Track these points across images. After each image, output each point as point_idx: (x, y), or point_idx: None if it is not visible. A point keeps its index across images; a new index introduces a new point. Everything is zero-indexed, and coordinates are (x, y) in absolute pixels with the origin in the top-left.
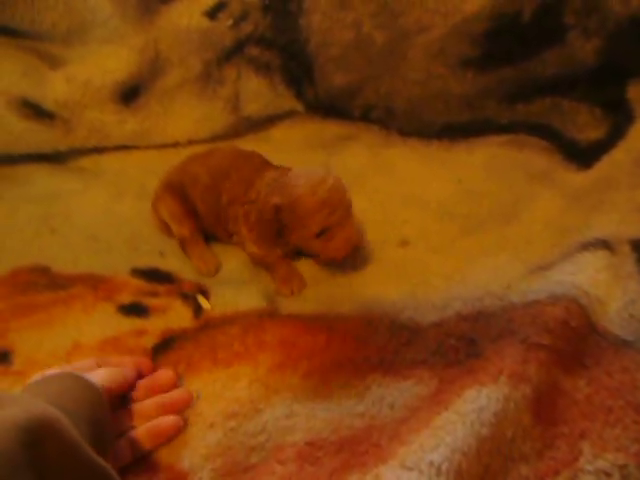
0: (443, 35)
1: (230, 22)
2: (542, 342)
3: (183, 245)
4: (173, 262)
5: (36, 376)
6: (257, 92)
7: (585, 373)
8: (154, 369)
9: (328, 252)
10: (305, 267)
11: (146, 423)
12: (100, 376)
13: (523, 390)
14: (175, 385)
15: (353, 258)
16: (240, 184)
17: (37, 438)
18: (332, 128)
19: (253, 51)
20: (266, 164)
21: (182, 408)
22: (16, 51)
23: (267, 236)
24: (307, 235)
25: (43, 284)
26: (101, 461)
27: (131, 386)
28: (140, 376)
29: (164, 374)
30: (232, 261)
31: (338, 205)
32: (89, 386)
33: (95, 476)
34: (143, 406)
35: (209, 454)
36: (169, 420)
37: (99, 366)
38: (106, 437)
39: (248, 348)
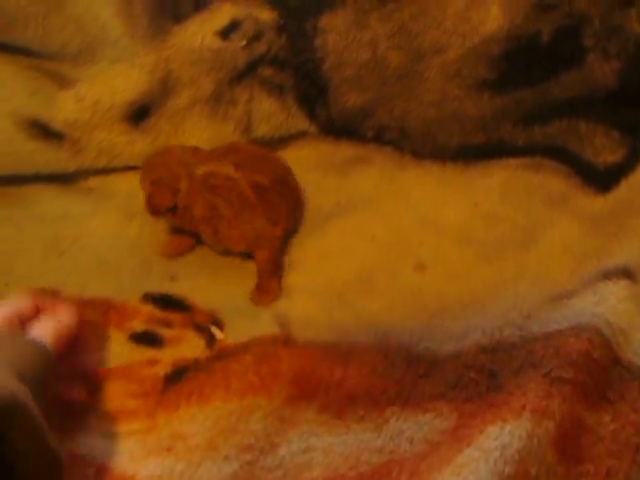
0: (460, 56)
1: (243, 42)
2: (565, 376)
3: None
4: (185, 286)
5: None
6: (269, 113)
7: (610, 408)
8: None
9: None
10: (316, 294)
11: None
12: (50, 336)
13: (546, 426)
14: None
15: (365, 282)
16: None
17: (6, 424)
18: (345, 150)
19: (266, 72)
20: None
21: None
22: (25, 70)
23: None
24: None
25: None
26: (55, 443)
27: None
28: None
29: None
30: (244, 285)
31: None
32: (44, 352)
33: (52, 460)
34: None
35: None
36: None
37: (38, 310)
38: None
39: (263, 379)
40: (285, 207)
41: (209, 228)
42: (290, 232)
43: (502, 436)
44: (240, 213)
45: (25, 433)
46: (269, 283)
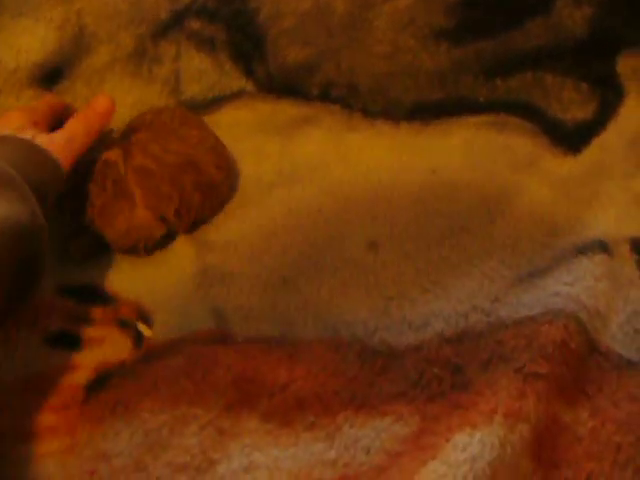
0: (413, 3)
1: None
2: (540, 371)
3: None
4: (105, 275)
5: None
6: (200, 71)
7: (587, 403)
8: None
9: None
10: (258, 279)
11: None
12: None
13: (520, 430)
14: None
15: (313, 264)
16: None
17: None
18: (287, 110)
19: (194, 24)
20: None
21: None
22: None
23: None
24: None
25: None
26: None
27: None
28: None
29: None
30: (174, 270)
31: None
32: (52, 161)
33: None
34: None
35: None
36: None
37: (35, 124)
38: None
39: (197, 384)
40: (188, 196)
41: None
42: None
43: (471, 446)
44: (113, 202)
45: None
46: None
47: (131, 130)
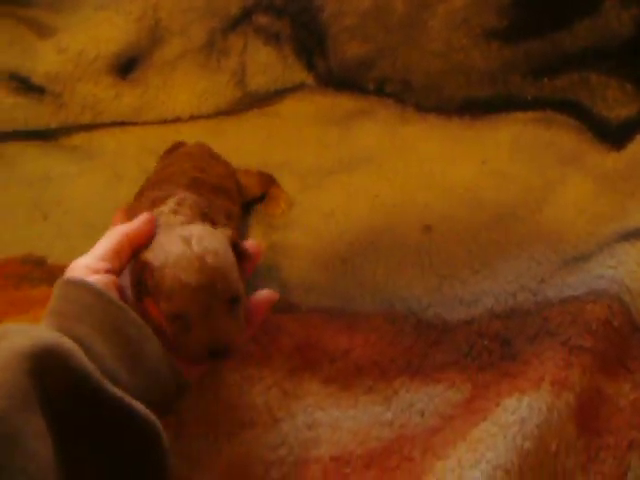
0: (467, 4)
1: None
2: (584, 344)
3: None
4: None
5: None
6: (265, 64)
7: (629, 377)
8: None
9: (183, 346)
10: (318, 256)
11: None
12: None
13: (566, 398)
14: None
15: (370, 244)
16: None
17: (43, 367)
18: (345, 103)
19: (261, 19)
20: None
21: None
22: (0, 19)
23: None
24: (163, 311)
25: (38, 277)
26: (119, 394)
27: None
28: None
29: None
30: None
31: (204, 291)
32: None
33: (110, 410)
34: None
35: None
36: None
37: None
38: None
39: (264, 348)
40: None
41: None
42: None
43: (520, 409)
44: None
45: (64, 378)
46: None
47: None
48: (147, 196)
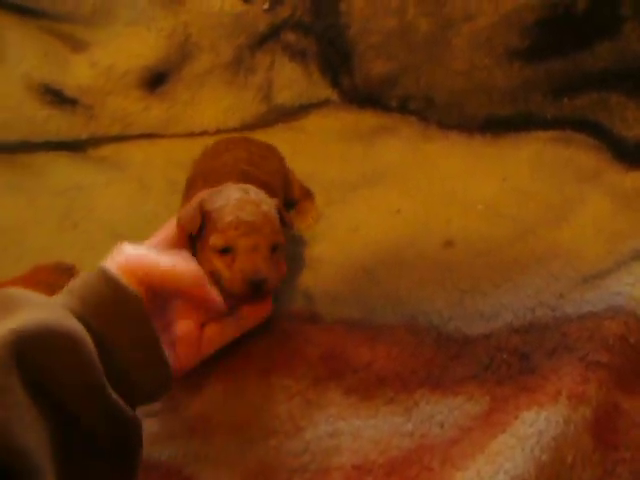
0: (491, 24)
1: (266, 6)
2: (601, 360)
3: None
4: None
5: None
6: (291, 79)
7: None
8: None
9: (228, 280)
10: (343, 268)
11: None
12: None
13: (583, 412)
14: None
15: (393, 258)
16: None
17: (41, 346)
18: (368, 119)
19: (289, 37)
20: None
21: None
22: (36, 32)
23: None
24: (212, 246)
25: None
26: (117, 402)
27: None
28: None
29: None
30: None
31: (254, 230)
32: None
33: (106, 411)
34: None
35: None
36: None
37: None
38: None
39: (289, 358)
40: None
41: None
42: None
43: (538, 422)
44: None
45: (64, 362)
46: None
47: None
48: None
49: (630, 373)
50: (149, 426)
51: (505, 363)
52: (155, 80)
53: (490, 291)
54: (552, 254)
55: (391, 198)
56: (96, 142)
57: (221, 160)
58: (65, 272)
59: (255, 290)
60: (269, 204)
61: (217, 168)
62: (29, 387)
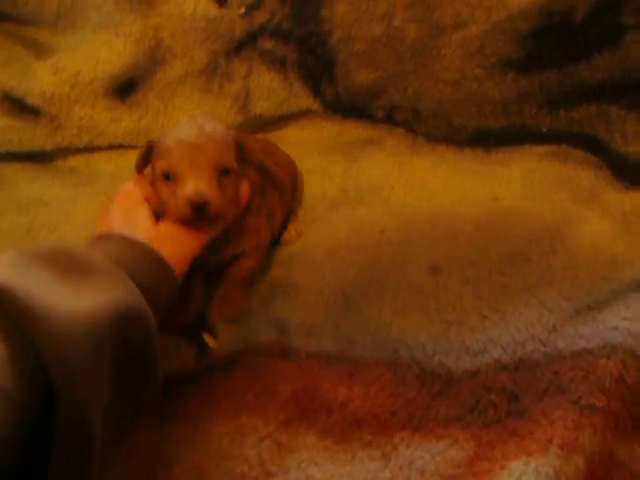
0: (483, 32)
1: (242, 10)
2: (596, 404)
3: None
4: None
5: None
6: (269, 89)
7: None
8: None
9: (172, 206)
10: (321, 295)
11: None
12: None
13: (576, 463)
14: None
15: (375, 283)
16: None
17: (124, 328)
18: (352, 130)
19: (267, 44)
20: None
21: None
22: None
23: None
24: (158, 172)
25: None
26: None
27: None
28: None
29: None
30: None
31: (195, 150)
32: (166, 268)
33: (149, 368)
34: None
35: None
36: None
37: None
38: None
39: (258, 397)
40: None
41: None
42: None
43: (526, 475)
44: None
45: (138, 338)
46: (236, 292)
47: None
48: None
49: (627, 418)
50: (107, 472)
51: (492, 404)
52: (125, 88)
53: (477, 323)
54: (545, 282)
55: (374, 217)
56: (63, 153)
57: None
58: None
59: (198, 213)
60: (218, 126)
61: None
62: (113, 364)
